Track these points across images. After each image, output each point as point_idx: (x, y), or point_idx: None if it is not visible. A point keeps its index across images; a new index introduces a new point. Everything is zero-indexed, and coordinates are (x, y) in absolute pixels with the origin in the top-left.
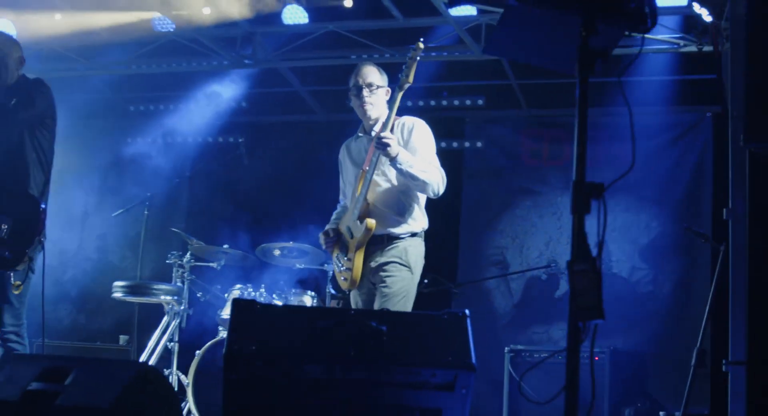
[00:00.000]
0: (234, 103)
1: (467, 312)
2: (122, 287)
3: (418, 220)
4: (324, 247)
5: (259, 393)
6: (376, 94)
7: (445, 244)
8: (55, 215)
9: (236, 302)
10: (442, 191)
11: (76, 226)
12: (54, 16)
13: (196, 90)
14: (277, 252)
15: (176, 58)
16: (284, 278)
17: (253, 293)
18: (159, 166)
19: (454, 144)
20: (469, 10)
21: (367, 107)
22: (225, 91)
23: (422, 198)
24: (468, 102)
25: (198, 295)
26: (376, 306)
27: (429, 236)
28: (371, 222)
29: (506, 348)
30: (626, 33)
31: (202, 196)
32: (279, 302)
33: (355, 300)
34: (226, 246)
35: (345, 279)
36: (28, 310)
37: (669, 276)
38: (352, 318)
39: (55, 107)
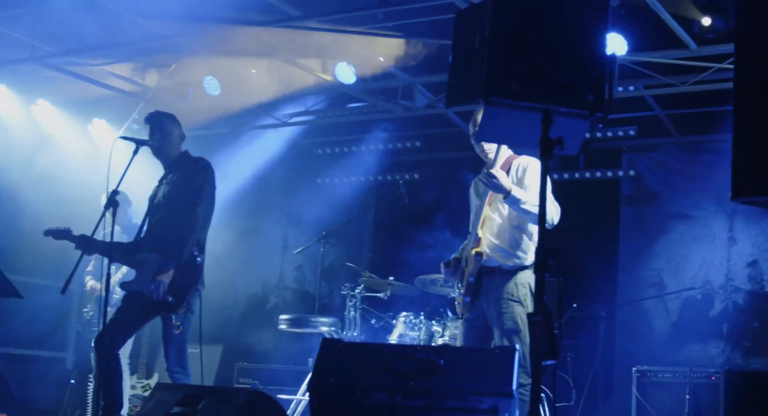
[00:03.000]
0: (401, 143)
1: (517, 347)
2: (286, 320)
3: (530, 253)
4: (444, 275)
5: None
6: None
7: (604, 268)
8: (257, 249)
9: (324, 340)
10: (556, 221)
11: (277, 259)
12: (251, 71)
13: (369, 134)
14: (436, 282)
15: (342, 107)
16: (442, 306)
17: (413, 320)
18: (340, 203)
19: (610, 173)
20: (620, 46)
21: (487, 152)
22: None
23: (535, 233)
24: (620, 133)
25: (372, 322)
26: (496, 340)
27: (587, 261)
28: (474, 251)
29: (633, 369)
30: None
31: (372, 231)
32: (438, 329)
33: (465, 326)
34: (391, 278)
35: (459, 304)
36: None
37: None
38: (416, 353)
39: (213, 180)
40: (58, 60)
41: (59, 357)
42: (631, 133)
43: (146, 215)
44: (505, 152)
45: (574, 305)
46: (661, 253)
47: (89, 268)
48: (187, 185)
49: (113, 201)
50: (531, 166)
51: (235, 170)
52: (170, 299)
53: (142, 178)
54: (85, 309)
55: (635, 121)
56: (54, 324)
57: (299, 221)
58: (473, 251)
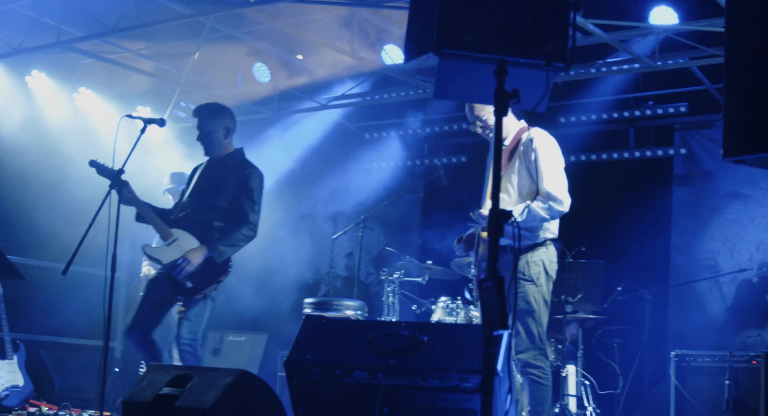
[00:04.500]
0: (447, 126)
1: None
2: (310, 303)
3: (540, 230)
4: (456, 251)
5: (315, 396)
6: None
7: (657, 249)
8: (307, 237)
9: (306, 318)
10: (561, 208)
11: (327, 246)
12: (297, 56)
13: (417, 117)
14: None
15: (388, 89)
16: None
17: (451, 305)
18: (389, 187)
19: (661, 152)
20: (670, 18)
21: (487, 133)
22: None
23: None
24: (671, 110)
25: (413, 308)
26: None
27: (639, 242)
28: (485, 235)
29: (672, 353)
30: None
31: (420, 216)
32: (476, 313)
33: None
34: (429, 262)
35: (473, 286)
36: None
37: None
38: (399, 330)
39: (263, 183)
40: (87, 44)
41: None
42: (683, 109)
43: (190, 195)
44: (512, 125)
45: (619, 288)
46: (715, 234)
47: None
48: (241, 190)
49: (119, 180)
50: (541, 146)
51: (280, 156)
52: (189, 284)
53: (185, 163)
54: (141, 294)
55: (687, 97)
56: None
57: (348, 207)
58: (484, 233)
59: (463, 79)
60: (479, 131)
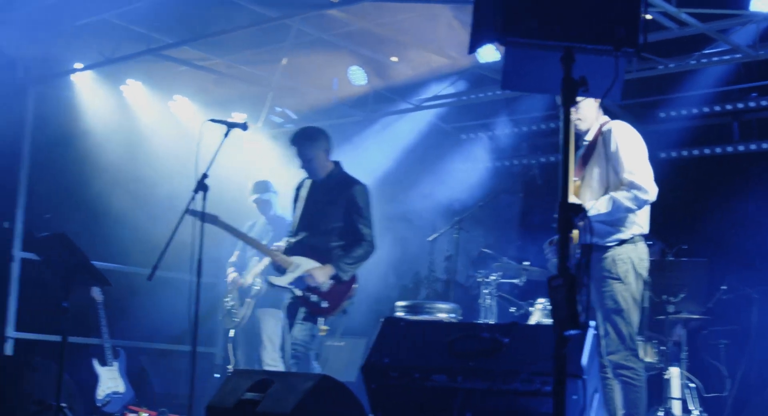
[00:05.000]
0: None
1: (592, 323)
2: (402, 307)
3: (627, 226)
4: (546, 255)
5: (394, 400)
6: (580, 110)
7: (763, 246)
8: (407, 240)
9: (386, 320)
10: (646, 198)
11: (426, 249)
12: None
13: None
14: None
15: (483, 88)
16: None
17: (549, 306)
18: (480, 187)
19: (765, 145)
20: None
21: (577, 124)
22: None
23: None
24: None
25: (511, 310)
26: (598, 322)
27: (743, 239)
28: (574, 234)
29: None
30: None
31: (519, 216)
32: None
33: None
34: (526, 263)
35: None
36: None
37: None
38: (479, 331)
39: (369, 196)
40: (177, 52)
41: (205, 352)
42: None
43: (301, 219)
44: (595, 118)
45: (723, 286)
46: None
47: (232, 259)
48: (351, 209)
49: (202, 184)
50: (621, 136)
51: (375, 159)
52: (324, 303)
53: (282, 168)
54: (226, 300)
55: None
56: (201, 318)
57: (444, 209)
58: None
59: (531, 68)
60: (575, 118)
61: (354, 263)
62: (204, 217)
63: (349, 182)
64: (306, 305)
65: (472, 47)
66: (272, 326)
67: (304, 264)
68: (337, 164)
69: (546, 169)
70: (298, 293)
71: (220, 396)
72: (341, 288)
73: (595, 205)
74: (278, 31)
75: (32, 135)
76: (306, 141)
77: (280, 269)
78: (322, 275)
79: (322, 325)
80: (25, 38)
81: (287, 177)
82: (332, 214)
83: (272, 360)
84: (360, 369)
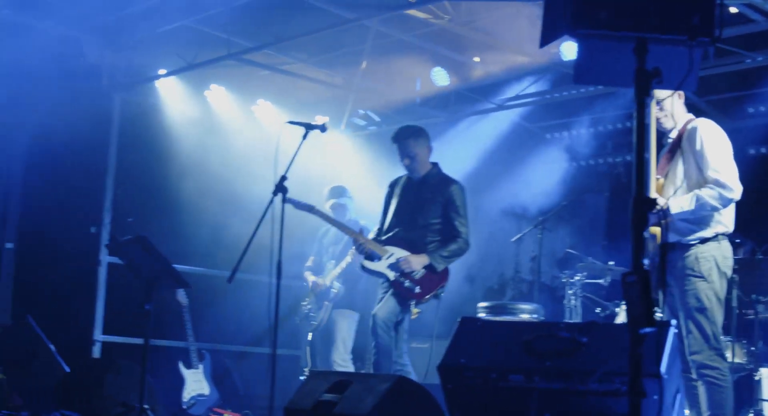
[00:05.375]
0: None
1: (673, 322)
2: (484, 308)
3: (710, 224)
4: None
5: (470, 400)
6: (665, 107)
7: None
8: (492, 241)
9: (463, 319)
10: (731, 196)
11: (511, 250)
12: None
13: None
14: None
15: (567, 86)
16: None
17: None
18: (565, 186)
19: None
20: None
21: (662, 121)
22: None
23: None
24: None
25: (597, 311)
26: (681, 321)
27: None
28: (653, 230)
29: None
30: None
31: (606, 216)
32: (659, 314)
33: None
34: (611, 263)
35: None
36: None
37: None
38: (557, 330)
39: (465, 195)
40: (258, 55)
41: (291, 354)
42: None
43: (396, 214)
44: (681, 115)
45: None
46: None
47: (308, 263)
48: (449, 208)
49: (281, 186)
50: (706, 134)
51: (459, 159)
52: (417, 289)
53: (366, 170)
54: (304, 303)
55: None
56: (281, 320)
57: (528, 209)
58: (653, 229)
59: (603, 60)
60: (660, 116)
61: (449, 256)
62: (301, 206)
63: (448, 181)
64: (399, 289)
65: (543, 41)
66: (346, 327)
67: (398, 253)
68: (435, 164)
69: (631, 167)
70: (392, 277)
71: (298, 398)
72: (434, 277)
73: (680, 202)
74: (358, 32)
75: (118, 142)
76: (410, 138)
77: (374, 258)
78: (416, 262)
79: (413, 308)
80: (108, 46)
81: (368, 179)
82: (431, 211)
83: (342, 361)
84: (437, 369)
